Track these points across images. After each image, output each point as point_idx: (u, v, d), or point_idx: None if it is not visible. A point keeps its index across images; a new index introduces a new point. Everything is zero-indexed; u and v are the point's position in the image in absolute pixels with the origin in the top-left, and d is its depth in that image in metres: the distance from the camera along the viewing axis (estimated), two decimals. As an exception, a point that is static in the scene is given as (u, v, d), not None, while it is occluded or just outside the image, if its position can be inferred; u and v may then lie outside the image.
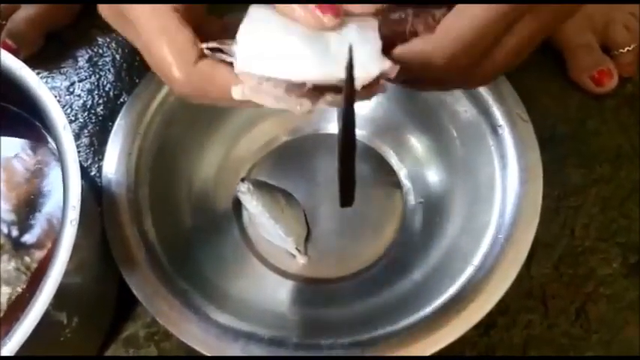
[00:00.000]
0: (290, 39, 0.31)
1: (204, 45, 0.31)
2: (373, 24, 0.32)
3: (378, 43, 0.31)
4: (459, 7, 0.31)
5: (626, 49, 0.56)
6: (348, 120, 0.29)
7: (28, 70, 0.41)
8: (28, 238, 0.44)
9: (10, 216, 0.45)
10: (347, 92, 0.28)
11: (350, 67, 0.27)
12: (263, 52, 0.30)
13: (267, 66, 0.30)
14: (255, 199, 0.49)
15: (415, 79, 0.35)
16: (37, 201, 0.45)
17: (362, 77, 0.30)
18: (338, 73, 0.29)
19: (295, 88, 0.30)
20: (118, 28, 0.34)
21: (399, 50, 0.32)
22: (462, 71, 0.33)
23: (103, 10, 0.34)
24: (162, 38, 0.31)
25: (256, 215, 0.49)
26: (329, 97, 0.30)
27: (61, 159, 0.37)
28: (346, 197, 0.32)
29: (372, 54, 0.31)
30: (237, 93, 0.31)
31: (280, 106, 0.30)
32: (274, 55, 0.30)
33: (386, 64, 0.30)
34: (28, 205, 0.45)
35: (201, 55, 0.31)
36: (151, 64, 0.33)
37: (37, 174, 0.46)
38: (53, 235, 0.43)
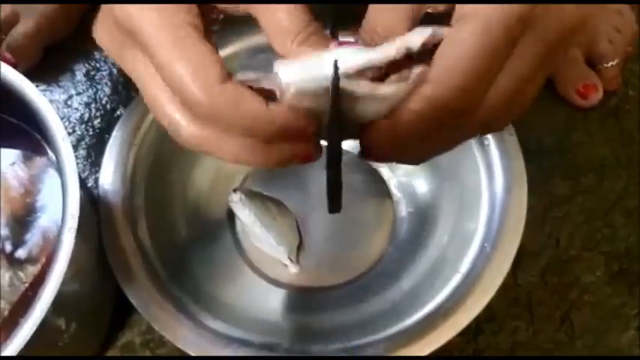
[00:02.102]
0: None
1: (238, 75, 0.29)
2: None
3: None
4: (446, 35, 0.28)
5: (610, 63, 0.58)
6: (333, 126, 0.30)
7: (29, 82, 0.42)
8: (22, 252, 0.44)
9: (4, 230, 0.45)
10: (333, 98, 0.28)
11: (335, 78, 0.28)
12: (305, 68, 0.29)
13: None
14: (247, 208, 0.50)
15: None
16: (31, 215, 0.46)
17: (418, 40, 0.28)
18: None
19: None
20: (117, 56, 0.32)
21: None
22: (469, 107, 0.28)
23: (102, 36, 0.32)
24: (178, 53, 0.28)
25: (248, 225, 0.50)
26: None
27: (60, 169, 0.38)
28: (334, 203, 0.33)
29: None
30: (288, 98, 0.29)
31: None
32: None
33: (430, 30, 0.28)
34: (22, 219, 0.45)
35: (226, 78, 0.28)
36: (158, 95, 0.30)
37: (32, 187, 0.46)
38: (48, 249, 0.44)
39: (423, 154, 0.31)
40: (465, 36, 0.27)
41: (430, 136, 0.29)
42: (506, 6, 0.27)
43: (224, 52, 0.51)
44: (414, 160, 0.32)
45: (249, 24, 0.43)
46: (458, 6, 0.28)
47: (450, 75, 0.27)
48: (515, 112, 0.30)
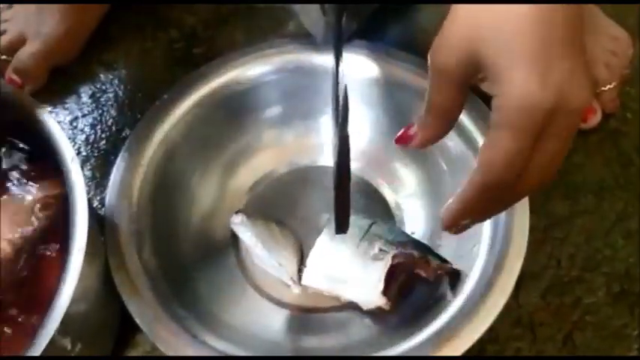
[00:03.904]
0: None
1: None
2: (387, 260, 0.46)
3: (380, 286, 0.45)
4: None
5: (607, 87, 0.58)
6: (342, 152, 0.30)
7: (38, 105, 0.43)
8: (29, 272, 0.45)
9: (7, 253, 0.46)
10: (341, 123, 0.29)
11: (345, 98, 0.29)
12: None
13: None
14: (249, 230, 0.50)
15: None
16: (38, 236, 0.46)
17: (364, 306, 0.46)
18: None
19: None
20: None
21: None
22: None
23: None
24: None
25: (251, 246, 0.51)
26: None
27: (69, 189, 0.39)
28: (341, 224, 0.33)
29: (374, 292, 0.45)
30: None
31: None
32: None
33: (382, 301, 0.45)
34: (29, 241, 0.46)
35: None
36: None
37: (40, 209, 0.47)
38: (55, 268, 0.44)
39: (484, 218, 0.39)
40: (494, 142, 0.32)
41: (488, 206, 0.36)
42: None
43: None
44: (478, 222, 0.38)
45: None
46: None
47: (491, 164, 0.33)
48: (547, 180, 0.34)
